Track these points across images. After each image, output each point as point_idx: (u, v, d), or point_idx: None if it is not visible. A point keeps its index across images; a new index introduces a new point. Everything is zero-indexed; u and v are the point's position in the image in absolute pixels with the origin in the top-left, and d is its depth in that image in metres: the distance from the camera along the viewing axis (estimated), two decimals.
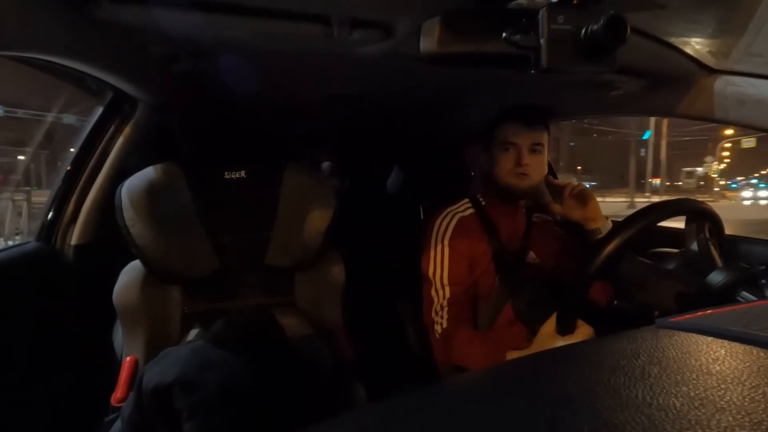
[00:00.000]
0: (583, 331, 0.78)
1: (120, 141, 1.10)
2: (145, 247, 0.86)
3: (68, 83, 0.98)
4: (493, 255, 1.12)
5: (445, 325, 1.03)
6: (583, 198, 1.09)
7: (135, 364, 0.85)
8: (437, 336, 1.05)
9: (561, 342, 0.76)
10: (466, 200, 1.17)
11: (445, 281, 1.06)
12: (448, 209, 1.15)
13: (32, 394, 0.93)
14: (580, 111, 1.38)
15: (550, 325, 0.80)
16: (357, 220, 1.79)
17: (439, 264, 1.08)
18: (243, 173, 0.96)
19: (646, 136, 22.11)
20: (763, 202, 23.05)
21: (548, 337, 0.79)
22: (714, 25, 0.73)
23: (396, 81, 0.99)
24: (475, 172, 1.25)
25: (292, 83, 1.02)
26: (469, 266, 1.09)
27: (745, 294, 0.73)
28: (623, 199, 18.19)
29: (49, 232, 1.06)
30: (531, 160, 1.07)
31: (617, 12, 0.51)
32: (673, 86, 0.94)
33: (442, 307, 1.05)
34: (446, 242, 1.09)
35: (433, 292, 1.07)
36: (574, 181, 1.16)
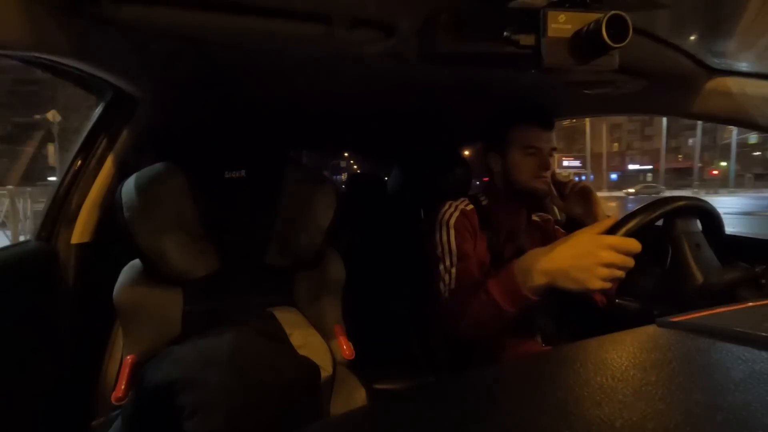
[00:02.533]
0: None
1: (120, 140, 1.10)
2: (145, 247, 0.86)
3: (68, 82, 0.98)
4: (492, 254, 1.12)
5: (452, 286, 1.01)
6: (585, 195, 1.10)
7: (135, 364, 0.85)
8: (445, 296, 1.02)
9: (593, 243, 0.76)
10: (465, 199, 1.18)
11: (454, 256, 1.05)
12: (450, 202, 1.15)
13: (32, 393, 0.93)
14: (581, 110, 1.38)
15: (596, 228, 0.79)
16: (357, 220, 1.79)
17: (446, 243, 1.07)
18: (243, 173, 0.96)
19: None
20: None
21: (589, 237, 0.78)
22: (714, 25, 0.73)
23: (396, 81, 0.99)
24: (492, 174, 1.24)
25: (292, 83, 1.02)
26: (474, 247, 1.09)
27: (745, 294, 0.73)
28: None
29: (49, 231, 1.06)
30: (551, 163, 1.09)
31: (618, 11, 0.51)
32: (673, 86, 0.94)
33: (450, 276, 1.04)
34: (451, 225, 1.09)
35: (441, 267, 1.06)
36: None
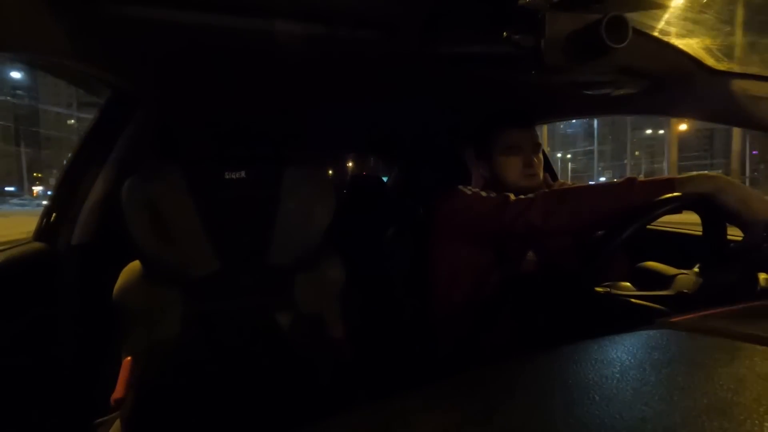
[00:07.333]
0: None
1: (120, 140, 1.10)
2: (144, 247, 0.86)
3: (69, 82, 0.98)
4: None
5: (537, 200, 0.91)
6: None
7: (134, 364, 0.85)
8: (537, 201, 0.90)
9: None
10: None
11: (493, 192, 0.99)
12: (462, 187, 1.13)
13: (32, 393, 0.93)
14: (581, 111, 1.38)
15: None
16: (357, 220, 1.79)
17: (479, 191, 1.02)
18: (243, 173, 0.96)
19: None
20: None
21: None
22: (714, 25, 0.73)
23: (397, 81, 0.99)
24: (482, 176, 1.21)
25: (293, 83, 1.02)
26: None
27: (744, 294, 0.73)
28: None
29: (49, 231, 1.06)
30: (536, 160, 1.09)
31: (618, 12, 0.51)
32: (673, 86, 0.94)
33: (510, 196, 0.94)
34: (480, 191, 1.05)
35: (492, 198, 0.97)
36: (568, 182, 1.17)
